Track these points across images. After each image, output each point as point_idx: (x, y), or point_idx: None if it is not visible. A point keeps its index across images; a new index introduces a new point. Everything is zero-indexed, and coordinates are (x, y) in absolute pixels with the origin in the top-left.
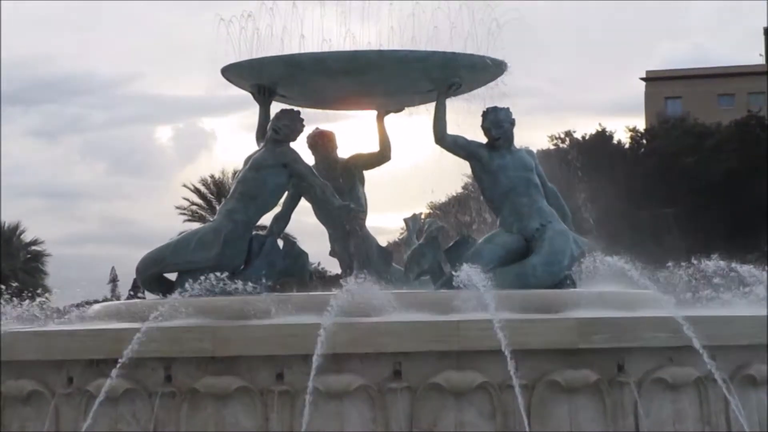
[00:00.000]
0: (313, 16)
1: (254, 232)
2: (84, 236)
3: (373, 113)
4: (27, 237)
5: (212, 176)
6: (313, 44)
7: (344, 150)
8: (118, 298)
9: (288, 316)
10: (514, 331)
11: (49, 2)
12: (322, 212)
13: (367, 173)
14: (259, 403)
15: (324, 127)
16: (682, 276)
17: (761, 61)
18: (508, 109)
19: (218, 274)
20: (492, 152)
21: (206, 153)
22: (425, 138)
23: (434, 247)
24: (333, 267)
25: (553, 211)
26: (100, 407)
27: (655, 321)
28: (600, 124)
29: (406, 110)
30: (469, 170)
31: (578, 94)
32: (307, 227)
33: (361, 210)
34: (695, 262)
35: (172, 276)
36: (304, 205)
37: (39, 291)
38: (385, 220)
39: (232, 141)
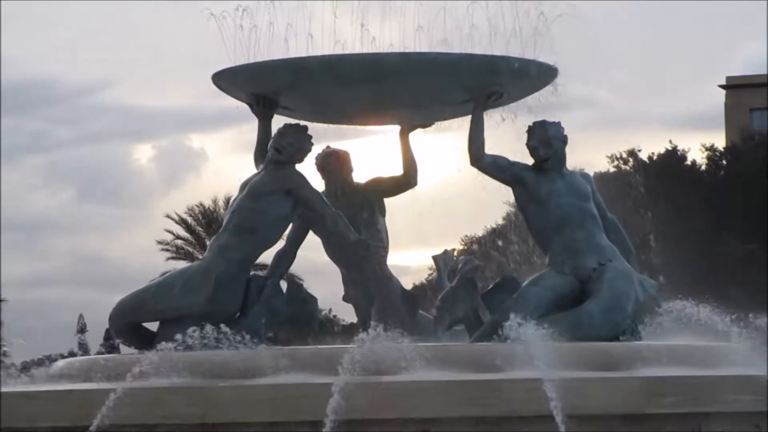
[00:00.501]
0: (324, 13)
1: (252, 273)
2: (47, 277)
3: (396, 129)
4: None
5: (201, 205)
6: (323, 46)
7: (361, 173)
8: (87, 353)
9: (294, 374)
10: (568, 392)
11: None
12: (334, 249)
13: (388, 201)
14: None
15: (336, 145)
16: None
17: None
18: (558, 123)
19: (209, 323)
20: (540, 176)
21: (194, 176)
22: (459, 159)
23: (470, 290)
24: (347, 315)
25: (614, 247)
26: None
27: (739, 381)
28: (671, 142)
29: (436, 125)
30: (511, 197)
31: (644, 105)
32: (316, 266)
33: (381, 246)
34: None
35: (153, 326)
36: (312, 240)
37: None
38: (409, 257)
39: (225, 162)
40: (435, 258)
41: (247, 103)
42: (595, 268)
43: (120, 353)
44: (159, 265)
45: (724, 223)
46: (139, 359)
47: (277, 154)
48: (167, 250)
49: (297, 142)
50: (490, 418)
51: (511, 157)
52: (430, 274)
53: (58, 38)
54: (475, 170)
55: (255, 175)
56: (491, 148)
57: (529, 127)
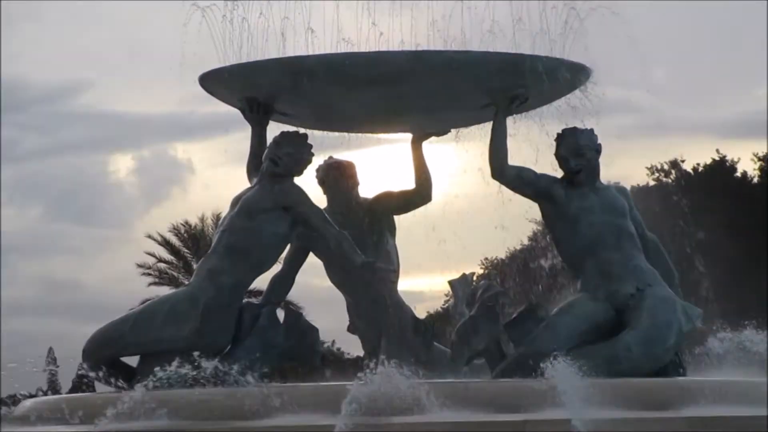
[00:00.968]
0: (326, 5)
1: (245, 300)
2: (13, 305)
3: (408, 137)
4: None
5: (187, 223)
6: (325, 43)
7: (368, 188)
8: (57, 391)
9: (291, 415)
10: None
11: None
12: (337, 273)
13: (399, 219)
14: None
15: (340, 156)
16: None
17: None
18: (591, 131)
19: (197, 356)
20: (570, 190)
21: (179, 191)
22: (478, 171)
23: (491, 319)
24: (353, 347)
25: (654, 270)
26: None
27: None
28: (718, 151)
29: (452, 133)
30: (538, 214)
31: (688, 110)
32: (317, 293)
33: (391, 269)
34: None
35: (133, 360)
36: (313, 263)
37: None
38: (423, 283)
39: (214, 175)
40: (452, 283)
41: (239, 109)
42: (633, 294)
43: (95, 391)
44: (139, 291)
45: None
46: (117, 399)
47: (273, 165)
48: (149, 274)
49: (296, 153)
50: None
51: (538, 170)
52: (446, 302)
53: (25, 36)
54: (497, 184)
55: (248, 189)
56: (514, 158)
57: (558, 134)
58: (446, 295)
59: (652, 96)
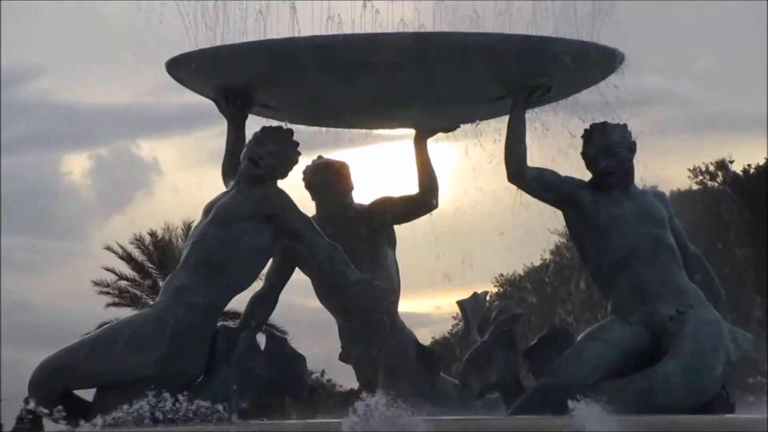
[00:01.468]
0: None
1: (220, 323)
2: None
3: (411, 134)
4: None
5: (152, 234)
6: (313, 23)
7: (364, 192)
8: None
9: None
10: None
11: None
12: (328, 292)
13: (400, 229)
14: None
15: (332, 156)
16: None
17: None
18: (624, 126)
19: (163, 389)
20: (599, 195)
21: (143, 196)
22: (493, 173)
23: (507, 346)
24: (346, 378)
25: (698, 289)
26: None
27: None
28: None
29: (462, 129)
30: (561, 223)
31: (737, 102)
32: (304, 315)
33: (390, 288)
34: None
35: (89, 393)
36: (299, 280)
37: None
38: (428, 303)
39: (184, 177)
40: (461, 304)
41: (214, 100)
42: (673, 317)
43: (44, 430)
44: (97, 313)
45: None
46: None
47: (253, 166)
48: (107, 293)
49: (279, 151)
50: None
51: (562, 172)
52: (454, 326)
53: None
54: (513, 188)
55: (224, 194)
56: (533, 159)
57: (586, 131)
58: (455, 318)
59: (696, 85)
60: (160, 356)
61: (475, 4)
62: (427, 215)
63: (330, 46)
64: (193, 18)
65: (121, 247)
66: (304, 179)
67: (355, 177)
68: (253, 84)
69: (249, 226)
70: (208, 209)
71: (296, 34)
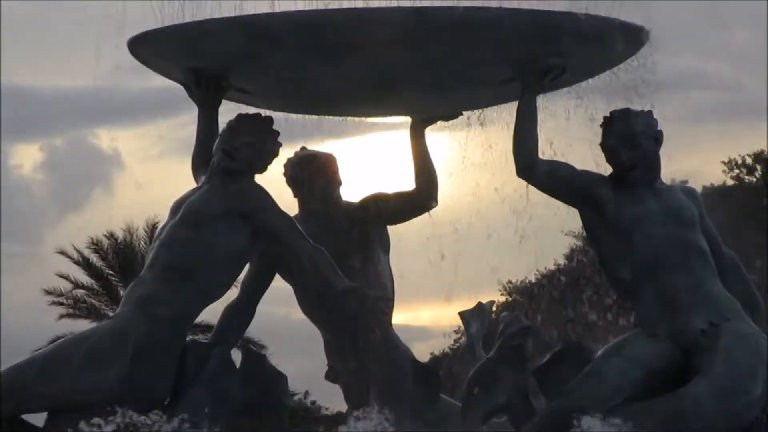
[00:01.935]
0: None
1: (190, 338)
2: None
3: (407, 122)
4: None
5: (112, 236)
6: None
7: (353, 189)
8: None
9: None
10: None
11: None
12: (312, 301)
13: (394, 230)
14: None
15: (316, 147)
16: None
17: None
18: (650, 113)
19: (125, 411)
20: (621, 192)
21: (102, 193)
22: (499, 166)
23: (516, 363)
24: (332, 400)
25: (733, 299)
26: None
27: None
28: None
29: (465, 116)
30: (577, 224)
31: None
32: (285, 328)
33: (383, 297)
34: None
35: (40, 418)
36: (280, 288)
37: None
38: (426, 315)
39: (149, 171)
40: (464, 315)
41: (183, 84)
42: (705, 331)
43: None
44: (49, 326)
45: None
46: None
47: (228, 159)
48: (60, 303)
49: (257, 142)
50: None
51: (578, 165)
52: (456, 340)
53: None
54: (523, 183)
55: (194, 191)
56: (544, 151)
57: (606, 119)
58: (456, 332)
59: (732, 67)
60: (121, 375)
61: None
62: (425, 215)
63: (315, 23)
64: None
65: (77, 251)
66: (285, 174)
67: (344, 171)
68: (227, 65)
69: (223, 226)
70: (176, 208)
71: (276, 9)
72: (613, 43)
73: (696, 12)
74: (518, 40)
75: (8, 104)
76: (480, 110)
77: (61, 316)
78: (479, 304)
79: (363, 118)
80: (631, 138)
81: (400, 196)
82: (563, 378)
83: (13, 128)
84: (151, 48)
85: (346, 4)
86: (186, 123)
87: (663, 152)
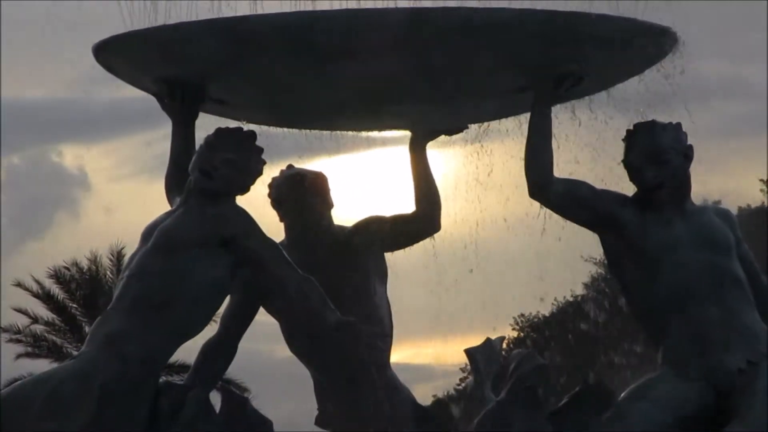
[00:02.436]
0: None
1: (163, 380)
2: None
3: (407, 137)
4: None
5: (76, 264)
6: None
7: (345, 211)
8: None
9: None
10: None
11: None
12: (301, 337)
13: (392, 258)
14: None
15: (305, 165)
16: None
17: None
18: (677, 126)
19: None
20: (647, 215)
21: (66, 217)
22: (510, 185)
23: (530, 406)
24: None
25: None
26: None
27: None
28: None
29: (472, 129)
30: (597, 250)
31: None
32: (271, 368)
33: (381, 333)
34: None
35: None
36: (264, 323)
37: None
38: (429, 352)
39: (118, 192)
40: (471, 353)
41: (155, 95)
42: (743, 370)
43: None
44: (5, 366)
45: None
46: None
47: (206, 179)
48: (18, 341)
49: (238, 160)
50: None
51: (597, 184)
52: (462, 379)
53: None
54: (537, 205)
55: (168, 214)
56: (558, 168)
57: (629, 132)
58: (463, 371)
59: None
60: (86, 421)
61: None
62: (427, 240)
63: (303, 26)
64: None
65: (37, 282)
66: (269, 195)
67: (336, 192)
68: (205, 74)
69: (200, 254)
70: (147, 234)
71: (258, 11)
72: (638, 47)
73: (730, 13)
74: (529, 45)
75: None
76: (487, 123)
77: (19, 356)
78: (487, 339)
79: (357, 133)
80: (657, 154)
81: (399, 220)
82: (582, 424)
83: None
84: (119, 54)
85: (336, 6)
86: (159, 139)
87: (693, 169)
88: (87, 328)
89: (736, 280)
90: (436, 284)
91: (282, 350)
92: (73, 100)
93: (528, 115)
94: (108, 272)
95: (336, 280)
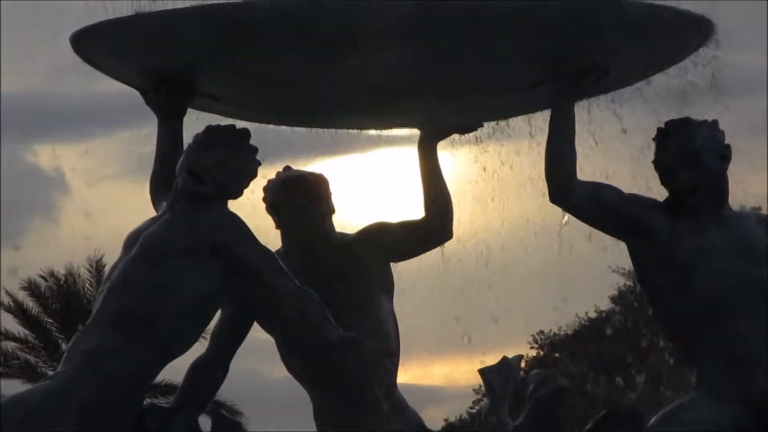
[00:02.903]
0: None
1: (148, 401)
2: None
3: (415, 136)
4: None
5: (53, 275)
6: None
7: (348, 217)
8: None
9: None
10: None
11: None
12: (299, 356)
13: (399, 268)
14: None
15: (303, 167)
16: None
17: None
18: (714, 124)
19: None
20: (679, 221)
21: (42, 222)
22: (528, 189)
23: (550, 431)
24: None
25: None
26: None
27: None
28: None
29: (485, 128)
30: (624, 260)
31: None
32: (266, 388)
33: (386, 350)
34: None
35: None
36: (259, 340)
37: None
38: (439, 371)
39: (98, 195)
40: (485, 373)
41: (139, 89)
42: None
43: None
44: None
45: None
46: None
47: (195, 181)
48: None
49: (230, 161)
50: None
51: (625, 188)
52: (476, 402)
53: None
54: (558, 210)
55: (153, 220)
56: (588, 171)
57: (660, 131)
58: (476, 392)
59: None
60: None
61: None
62: (437, 249)
63: (302, 13)
64: None
65: (9, 295)
66: (264, 199)
67: (337, 196)
68: (194, 66)
69: (189, 264)
70: (130, 241)
71: None
72: (670, 37)
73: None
74: (550, 34)
75: None
76: (504, 121)
77: None
78: (504, 358)
79: (361, 131)
80: (691, 155)
81: (407, 227)
82: None
83: None
84: (100, 44)
85: None
86: (144, 137)
87: (731, 172)
88: (64, 346)
89: None
90: (446, 298)
91: (278, 369)
92: (50, 94)
93: (548, 112)
94: (87, 284)
95: (337, 293)
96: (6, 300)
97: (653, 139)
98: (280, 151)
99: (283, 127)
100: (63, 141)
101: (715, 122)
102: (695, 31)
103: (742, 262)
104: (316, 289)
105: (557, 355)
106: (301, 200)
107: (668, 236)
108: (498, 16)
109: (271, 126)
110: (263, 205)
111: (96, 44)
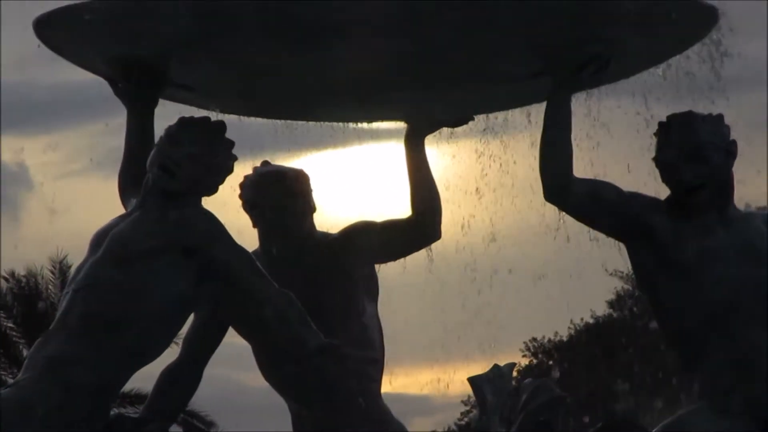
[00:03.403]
0: None
1: (115, 411)
2: None
3: (401, 130)
4: None
5: (13, 276)
6: None
7: (331, 215)
8: None
9: None
10: None
11: None
12: (277, 363)
13: (384, 269)
14: None
15: (284, 162)
16: None
17: None
18: (719, 118)
19: None
20: (682, 221)
21: (3, 219)
22: (521, 188)
23: None
24: None
25: None
26: None
27: None
28: None
29: (477, 121)
30: (622, 262)
31: None
32: (242, 398)
33: (370, 357)
34: None
35: None
36: (235, 346)
37: None
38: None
39: (64, 190)
40: (475, 382)
41: (107, 78)
42: None
43: None
44: None
45: None
46: None
47: (167, 177)
48: None
49: (204, 155)
50: None
51: (624, 186)
52: (465, 413)
53: None
54: (554, 210)
55: (122, 218)
56: (581, 168)
57: (662, 125)
58: (465, 403)
59: None
60: None
61: None
62: (424, 250)
63: (281, 3)
64: None
65: None
66: (241, 196)
67: (319, 193)
68: (166, 53)
69: (160, 265)
70: (98, 240)
71: None
72: (674, 25)
73: None
74: (548, 22)
75: None
76: (497, 114)
77: None
78: (495, 366)
79: (345, 124)
80: (695, 150)
81: (392, 226)
82: None
83: None
84: (65, 30)
85: None
86: (113, 130)
87: (736, 169)
88: (25, 352)
89: None
90: (434, 302)
91: (254, 377)
92: (12, 84)
93: (544, 104)
94: (50, 285)
95: (318, 296)
96: None
97: (654, 134)
98: (258, 145)
99: (261, 120)
100: (26, 134)
101: (720, 116)
102: (700, 21)
103: (750, 265)
104: (295, 293)
105: (551, 362)
106: (281, 197)
107: (670, 237)
108: (493, 2)
109: (248, 118)
110: (238, 202)
111: (61, 30)
